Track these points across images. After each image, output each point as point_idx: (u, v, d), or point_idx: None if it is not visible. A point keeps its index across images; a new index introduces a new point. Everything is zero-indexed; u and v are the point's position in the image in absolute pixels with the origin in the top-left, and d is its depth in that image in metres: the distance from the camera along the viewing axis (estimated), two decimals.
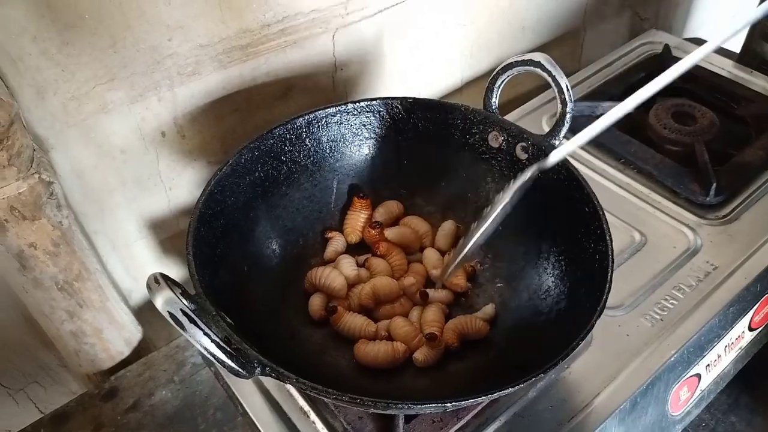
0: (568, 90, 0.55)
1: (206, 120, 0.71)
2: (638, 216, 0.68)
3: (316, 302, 0.56)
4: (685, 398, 0.59)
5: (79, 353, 0.69)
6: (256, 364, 0.39)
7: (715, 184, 0.69)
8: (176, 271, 0.82)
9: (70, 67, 0.59)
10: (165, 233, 0.78)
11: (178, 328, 0.36)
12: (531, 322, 0.53)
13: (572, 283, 0.51)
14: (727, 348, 0.62)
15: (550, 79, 0.55)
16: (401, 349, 0.52)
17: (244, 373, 0.38)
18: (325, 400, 0.45)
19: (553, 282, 0.53)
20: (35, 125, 0.59)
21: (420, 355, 0.52)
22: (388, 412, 0.45)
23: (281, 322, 0.54)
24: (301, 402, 0.54)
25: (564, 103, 0.55)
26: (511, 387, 0.41)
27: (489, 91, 0.60)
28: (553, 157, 0.53)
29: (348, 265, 0.58)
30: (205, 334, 0.36)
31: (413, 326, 0.54)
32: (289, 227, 0.60)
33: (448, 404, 0.40)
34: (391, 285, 0.56)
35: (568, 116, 0.57)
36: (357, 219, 0.61)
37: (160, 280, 0.37)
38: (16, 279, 0.60)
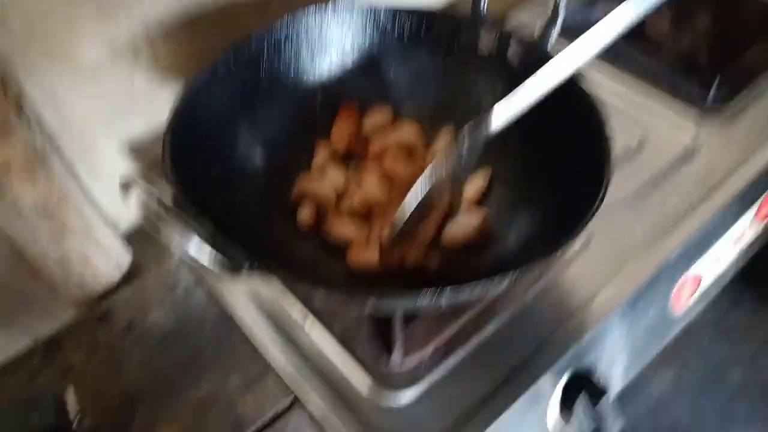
0: None
1: (181, 36, 0.68)
2: (637, 119, 0.66)
3: (304, 212, 0.54)
4: (686, 296, 0.58)
5: (68, 281, 0.68)
6: (242, 261, 0.38)
7: (716, 84, 0.66)
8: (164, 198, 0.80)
9: None
10: (147, 158, 0.75)
11: (153, 224, 0.34)
12: (529, 221, 0.52)
13: (571, 177, 0.49)
14: (729, 244, 0.61)
15: None
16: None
17: (232, 269, 0.36)
18: (315, 296, 0.42)
19: (550, 178, 0.51)
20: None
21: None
22: (384, 306, 0.44)
23: (268, 235, 0.52)
24: (296, 313, 0.53)
25: None
26: (511, 275, 0.40)
27: None
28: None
29: (337, 173, 0.56)
30: (186, 228, 0.34)
31: None
32: (273, 139, 0.58)
33: (445, 294, 0.38)
34: (385, 192, 0.54)
35: (561, 10, 0.54)
36: (344, 128, 0.59)
37: (133, 177, 0.35)
38: None
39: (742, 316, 0.65)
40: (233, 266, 0.37)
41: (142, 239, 0.81)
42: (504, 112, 0.45)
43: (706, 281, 0.60)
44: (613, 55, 0.72)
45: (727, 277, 0.64)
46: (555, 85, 0.43)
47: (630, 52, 0.72)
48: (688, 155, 0.63)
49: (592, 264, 0.55)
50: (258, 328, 0.54)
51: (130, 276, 0.74)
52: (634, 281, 0.54)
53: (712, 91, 0.66)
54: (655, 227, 0.57)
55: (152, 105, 0.70)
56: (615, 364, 0.55)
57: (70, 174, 0.63)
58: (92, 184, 0.70)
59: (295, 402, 0.60)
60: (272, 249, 0.48)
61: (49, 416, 0.44)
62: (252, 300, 0.55)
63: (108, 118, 0.68)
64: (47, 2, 0.56)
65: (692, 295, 0.59)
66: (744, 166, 0.61)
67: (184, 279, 0.70)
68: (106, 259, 0.69)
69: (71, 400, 0.46)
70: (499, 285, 0.40)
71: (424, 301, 0.38)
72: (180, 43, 0.68)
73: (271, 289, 0.55)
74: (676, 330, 0.60)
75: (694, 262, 0.58)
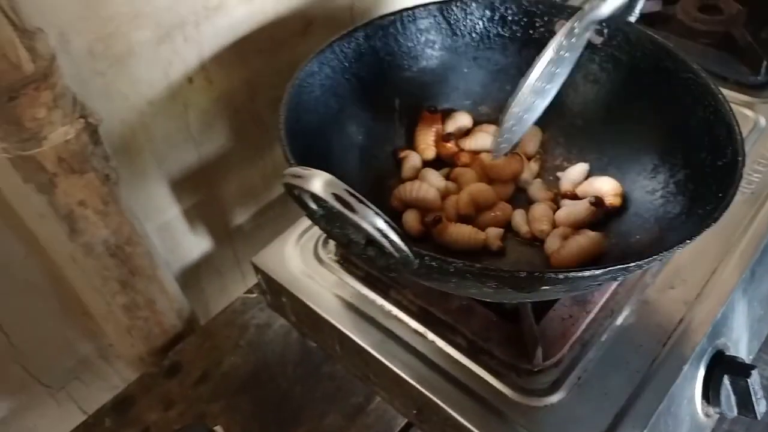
0: None
1: (232, 62, 0.66)
2: None
3: (411, 218, 0.52)
4: None
5: (132, 330, 0.63)
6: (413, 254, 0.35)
7: (765, 61, 0.68)
8: (208, 242, 0.76)
9: (92, 4, 0.52)
10: (197, 196, 0.72)
11: (343, 211, 0.31)
12: (645, 206, 0.51)
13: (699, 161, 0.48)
14: None
15: None
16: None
17: (413, 259, 0.34)
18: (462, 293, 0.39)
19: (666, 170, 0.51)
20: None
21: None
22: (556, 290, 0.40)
23: None
24: (414, 324, 0.50)
25: None
26: (674, 249, 0.38)
27: None
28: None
29: (435, 177, 0.54)
30: (378, 214, 0.31)
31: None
32: (360, 148, 0.56)
33: (610, 268, 0.36)
34: (489, 190, 0.52)
35: None
36: (429, 134, 0.57)
37: (306, 168, 0.32)
38: (65, 248, 0.54)
39: None
40: (413, 256, 0.34)
41: (193, 286, 0.77)
42: None
43: None
44: None
45: None
46: None
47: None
48: (755, 132, 0.64)
49: (702, 243, 0.54)
50: (373, 343, 0.50)
51: (192, 324, 0.69)
52: (747, 253, 0.53)
53: (763, 68, 0.68)
54: (749, 201, 0.57)
55: (204, 136, 0.68)
56: (741, 343, 0.53)
57: (130, 210, 0.59)
58: (143, 223, 0.66)
59: (406, 429, 0.56)
60: None
61: None
62: (363, 318, 0.52)
63: (160, 151, 0.65)
64: (110, 23, 0.54)
65: None
66: None
67: (255, 318, 0.66)
68: (169, 305, 0.65)
69: None
70: (662, 260, 0.38)
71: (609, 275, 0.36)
72: (231, 69, 0.66)
73: (383, 300, 0.52)
74: None
75: None
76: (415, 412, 0.50)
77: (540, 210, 0.52)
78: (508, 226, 0.53)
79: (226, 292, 0.81)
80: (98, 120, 0.50)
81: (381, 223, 0.31)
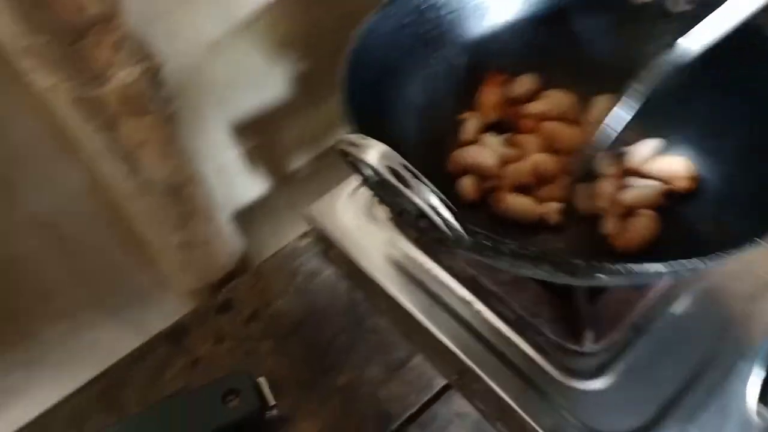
0: None
1: (298, 5, 0.64)
2: None
3: (468, 183, 0.50)
4: None
5: (187, 268, 0.65)
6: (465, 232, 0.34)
7: None
8: (263, 185, 0.77)
9: None
10: (254, 140, 0.72)
11: (397, 185, 0.30)
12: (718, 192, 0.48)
13: None
14: None
15: None
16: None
17: (466, 237, 0.33)
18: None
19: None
20: None
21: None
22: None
23: None
24: (462, 291, 0.50)
25: None
26: (737, 249, 0.36)
27: None
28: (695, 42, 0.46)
29: (496, 143, 0.52)
30: (432, 191, 0.30)
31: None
32: (420, 109, 0.54)
33: (677, 268, 0.34)
34: (553, 163, 0.50)
35: None
36: (492, 97, 0.55)
37: (363, 136, 0.31)
38: (124, 186, 0.55)
39: None
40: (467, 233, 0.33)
41: (247, 229, 0.78)
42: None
43: None
44: None
45: None
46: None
47: None
48: None
49: None
50: (421, 308, 0.50)
51: (244, 265, 0.71)
52: None
53: None
54: None
55: (264, 80, 0.67)
56: None
57: (190, 151, 0.60)
58: (200, 165, 0.67)
59: (445, 390, 0.57)
60: None
61: (251, 401, 0.40)
62: (410, 280, 0.52)
63: (221, 94, 0.65)
64: None
65: None
66: None
67: (303, 264, 0.67)
68: (224, 246, 0.66)
69: (266, 389, 0.43)
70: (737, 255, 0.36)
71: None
72: (295, 12, 0.64)
73: (433, 268, 0.52)
74: None
75: None
76: (456, 377, 0.50)
77: (603, 186, 0.50)
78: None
79: (278, 236, 0.82)
80: (161, 62, 0.50)
81: (435, 201, 0.31)
